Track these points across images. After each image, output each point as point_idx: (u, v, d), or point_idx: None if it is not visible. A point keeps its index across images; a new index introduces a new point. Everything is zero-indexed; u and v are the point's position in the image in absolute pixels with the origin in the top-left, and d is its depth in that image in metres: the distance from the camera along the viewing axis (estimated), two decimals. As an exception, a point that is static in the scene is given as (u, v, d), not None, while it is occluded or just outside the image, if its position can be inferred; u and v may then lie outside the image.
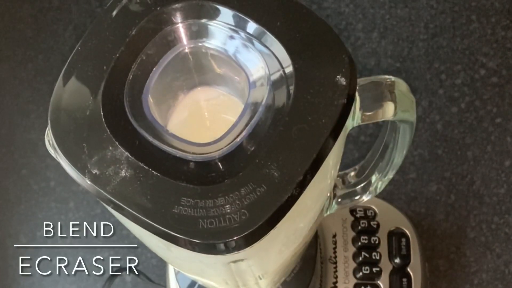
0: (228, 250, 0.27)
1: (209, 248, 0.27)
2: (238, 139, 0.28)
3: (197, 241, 0.27)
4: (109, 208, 0.29)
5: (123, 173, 0.28)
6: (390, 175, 0.39)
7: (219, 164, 0.29)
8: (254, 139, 0.28)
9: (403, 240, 0.60)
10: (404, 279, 0.58)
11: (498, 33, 0.76)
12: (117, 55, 0.29)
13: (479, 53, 0.75)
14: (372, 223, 0.60)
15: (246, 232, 0.27)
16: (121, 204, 0.27)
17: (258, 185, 0.27)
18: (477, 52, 0.75)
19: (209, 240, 0.27)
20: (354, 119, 0.35)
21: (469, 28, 0.76)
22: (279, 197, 0.27)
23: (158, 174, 0.28)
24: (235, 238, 0.27)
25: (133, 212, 0.27)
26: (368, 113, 0.36)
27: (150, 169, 0.28)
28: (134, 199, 0.27)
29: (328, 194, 0.40)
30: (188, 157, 0.28)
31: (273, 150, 0.27)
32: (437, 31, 0.76)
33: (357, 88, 0.33)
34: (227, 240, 0.27)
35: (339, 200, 0.42)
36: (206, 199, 0.27)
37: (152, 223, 0.27)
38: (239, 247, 0.27)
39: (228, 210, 0.27)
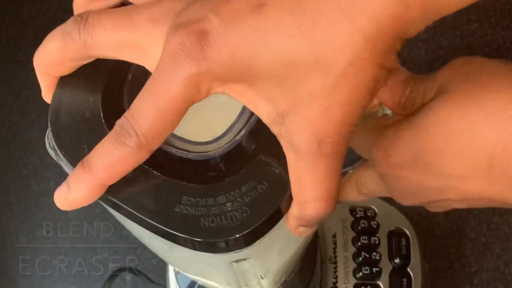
0: (229, 248, 0.27)
1: (210, 247, 0.27)
2: (238, 137, 0.28)
3: (198, 239, 0.27)
4: (109, 209, 0.29)
5: None
6: (390, 175, 0.39)
7: (220, 162, 0.29)
8: (255, 137, 0.29)
9: (403, 240, 0.60)
10: (404, 279, 0.58)
11: (498, 33, 0.76)
12: None
13: (479, 53, 0.75)
14: (372, 223, 0.60)
15: (248, 230, 0.27)
16: (121, 204, 0.27)
17: (259, 182, 0.27)
18: (477, 52, 0.75)
19: (211, 238, 0.27)
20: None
21: (469, 28, 0.76)
22: (280, 194, 0.27)
23: (159, 174, 0.28)
24: (237, 236, 0.27)
25: (133, 212, 0.27)
26: (368, 112, 0.36)
27: (151, 169, 0.28)
28: (135, 199, 0.27)
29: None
30: (189, 156, 0.28)
31: (274, 147, 0.27)
32: (437, 31, 0.76)
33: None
34: (228, 238, 0.27)
35: (340, 200, 0.42)
36: (207, 197, 0.27)
37: (154, 223, 0.27)
38: (240, 245, 0.27)
39: (229, 208, 0.27)
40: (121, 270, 0.68)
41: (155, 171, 0.28)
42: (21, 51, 0.78)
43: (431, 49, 0.75)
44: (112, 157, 0.26)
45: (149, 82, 0.25)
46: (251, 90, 0.25)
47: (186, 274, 0.47)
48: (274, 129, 0.26)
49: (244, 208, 0.27)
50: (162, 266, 0.67)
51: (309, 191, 0.26)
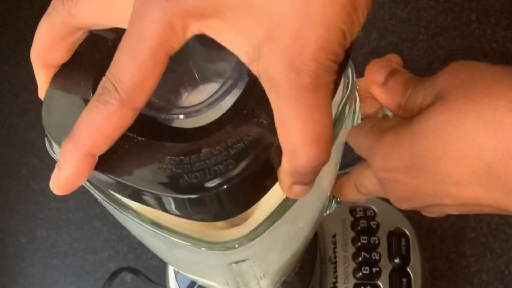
0: (213, 204, 0.26)
1: (194, 207, 0.26)
2: (224, 96, 0.27)
3: (178, 196, 0.25)
4: (108, 207, 0.29)
5: None
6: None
7: (206, 124, 0.27)
8: (244, 95, 0.27)
9: (403, 240, 0.60)
10: (404, 279, 0.58)
11: (498, 33, 0.76)
12: (109, 44, 0.29)
13: (479, 53, 0.75)
14: (372, 223, 0.60)
15: (233, 182, 0.25)
16: (104, 173, 0.26)
17: (246, 135, 0.26)
18: (477, 52, 0.75)
19: (192, 194, 0.25)
20: (355, 119, 0.35)
21: (469, 28, 0.76)
22: (268, 143, 0.26)
23: (143, 139, 0.27)
24: (220, 188, 0.25)
25: (115, 178, 0.26)
26: (368, 112, 0.36)
27: (135, 135, 0.27)
28: (118, 167, 0.26)
29: (328, 194, 0.40)
30: (174, 117, 0.27)
31: (261, 100, 0.25)
32: (437, 31, 0.76)
33: (357, 88, 0.33)
34: (212, 192, 0.25)
35: (339, 199, 0.42)
36: (191, 154, 0.26)
37: (134, 185, 0.26)
38: (225, 200, 0.26)
39: (214, 162, 0.25)
40: (121, 270, 0.68)
41: (139, 137, 0.27)
42: (21, 51, 0.78)
43: (431, 49, 0.75)
44: (95, 120, 0.24)
45: (125, 32, 0.24)
46: (226, 26, 0.24)
47: (185, 274, 0.47)
48: (254, 69, 0.24)
49: (229, 160, 0.25)
50: (162, 266, 0.67)
51: (296, 133, 0.24)
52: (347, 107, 0.32)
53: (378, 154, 0.31)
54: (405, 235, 0.60)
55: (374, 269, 0.58)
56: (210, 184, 0.25)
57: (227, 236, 0.29)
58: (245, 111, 0.26)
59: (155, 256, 0.69)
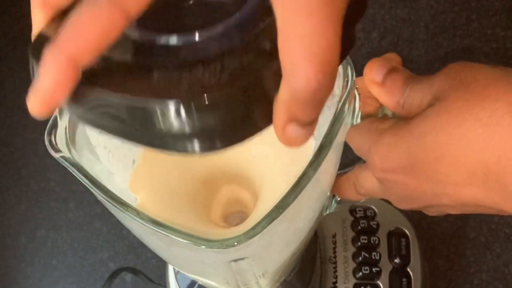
0: (205, 121, 0.24)
1: (185, 120, 0.23)
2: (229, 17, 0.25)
3: (163, 105, 0.23)
4: (107, 205, 0.29)
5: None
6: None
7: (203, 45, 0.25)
8: (246, 22, 0.25)
9: (403, 240, 0.60)
10: (404, 279, 0.58)
11: (498, 33, 0.76)
12: None
13: (479, 53, 0.75)
14: (372, 223, 0.60)
15: (222, 92, 0.23)
16: (88, 85, 0.24)
17: (244, 53, 0.24)
18: (477, 52, 0.75)
19: (179, 103, 0.23)
20: (354, 118, 0.35)
21: (469, 28, 0.76)
22: (267, 64, 0.24)
23: (134, 60, 0.25)
24: (210, 97, 0.23)
25: (100, 89, 0.24)
26: (367, 112, 0.36)
27: (125, 57, 0.25)
28: (103, 81, 0.24)
29: (328, 194, 0.40)
30: (172, 42, 0.25)
31: (266, 28, 0.24)
32: (437, 31, 0.76)
33: (357, 87, 0.33)
34: (201, 100, 0.23)
35: (339, 199, 0.42)
36: (181, 70, 0.24)
37: (119, 98, 0.24)
38: (217, 117, 0.24)
39: (207, 76, 0.23)
40: (121, 270, 0.68)
41: (130, 59, 0.25)
42: (21, 51, 0.78)
43: (431, 49, 0.75)
44: (81, 21, 0.22)
45: None
46: None
47: (185, 273, 0.47)
48: None
49: (222, 75, 0.23)
50: (162, 266, 0.67)
51: (298, 48, 0.21)
52: (346, 106, 0.32)
53: (377, 155, 0.31)
54: (405, 235, 0.60)
55: (374, 269, 0.58)
56: (199, 94, 0.23)
57: (226, 234, 0.29)
58: (245, 39, 0.25)
59: (155, 256, 0.69)
